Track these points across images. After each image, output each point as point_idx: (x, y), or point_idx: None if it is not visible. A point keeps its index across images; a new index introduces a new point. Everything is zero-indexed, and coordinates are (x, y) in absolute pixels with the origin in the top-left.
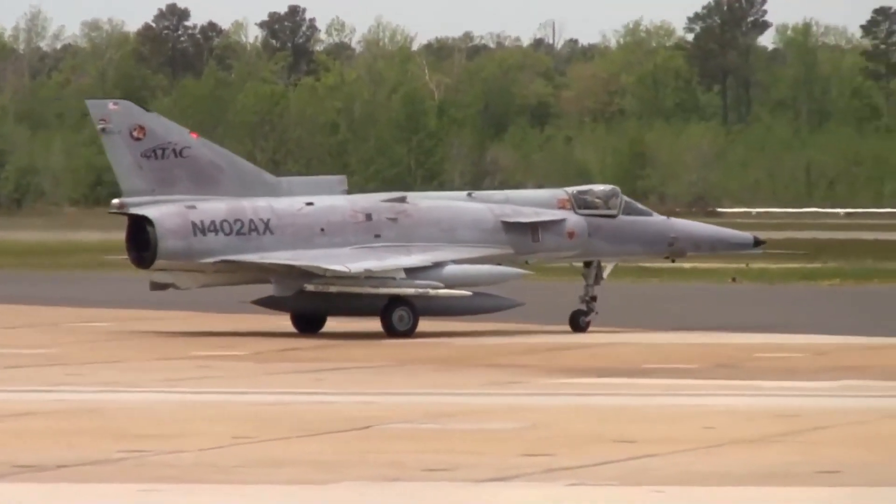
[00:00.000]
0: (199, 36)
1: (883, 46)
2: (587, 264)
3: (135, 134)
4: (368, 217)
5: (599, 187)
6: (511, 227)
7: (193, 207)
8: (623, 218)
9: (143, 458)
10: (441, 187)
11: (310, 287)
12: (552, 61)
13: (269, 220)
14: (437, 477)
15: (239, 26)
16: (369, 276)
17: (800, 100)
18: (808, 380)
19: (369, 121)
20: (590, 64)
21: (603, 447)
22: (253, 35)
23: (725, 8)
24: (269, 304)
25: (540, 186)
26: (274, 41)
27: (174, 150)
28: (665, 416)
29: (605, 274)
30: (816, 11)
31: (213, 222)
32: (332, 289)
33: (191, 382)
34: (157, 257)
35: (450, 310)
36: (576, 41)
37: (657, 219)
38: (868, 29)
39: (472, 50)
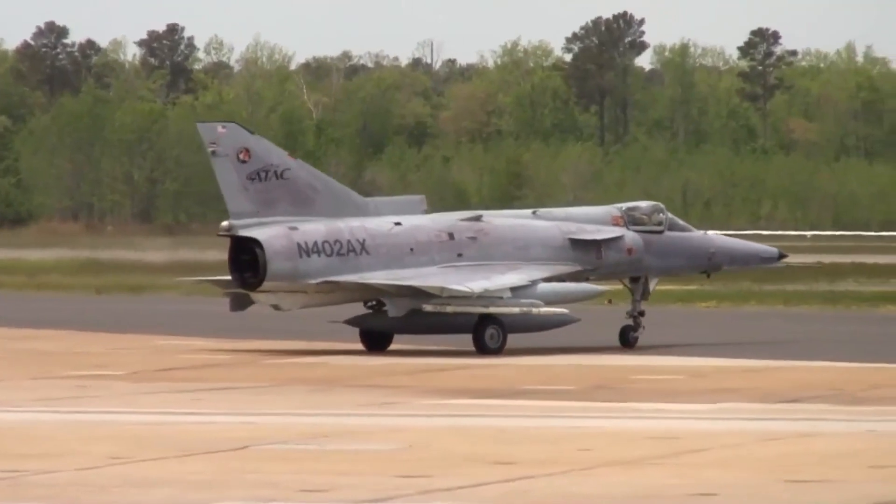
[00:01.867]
0: (77, 54)
1: (760, 68)
2: (634, 280)
3: (241, 156)
4: (451, 236)
5: (645, 204)
6: (577, 245)
7: (296, 229)
8: (669, 234)
9: (19, 477)
10: None
11: (428, 307)
12: (430, 81)
13: (364, 240)
14: (313, 498)
15: (117, 44)
16: (481, 296)
17: (677, 120)
18: (685, 402)
19: None
20: (468, 84)
21: (480, 468)
22: (131, 53)
23: (603, 28)
24: (360, 322)
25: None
26: (152, 59)
27: (276, 173)
28: (542, 438)
29: (652, 289)
30: (694, 33)
31: (315, 243)
32: (449, 309)
33: (67, 402)
34: (267, 279)
35: (530, 326)
36: (454, 61)
37: (697, 234)
38: (745, 50)
39: (350, 69)
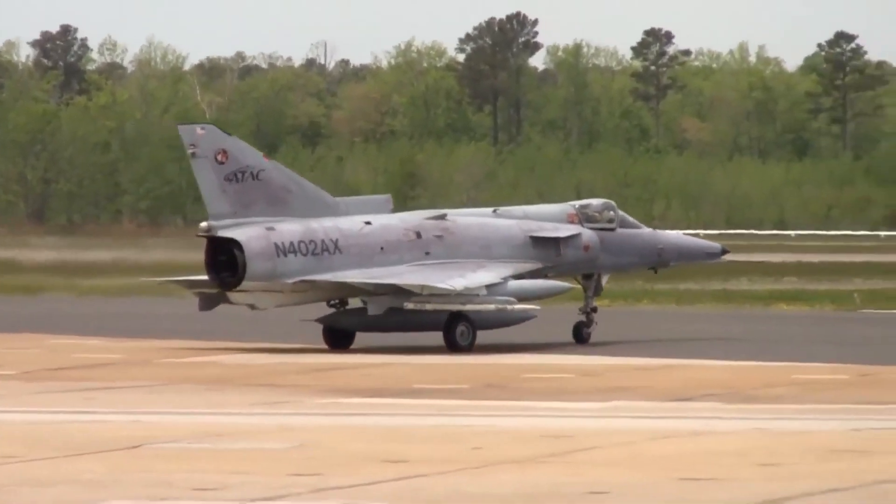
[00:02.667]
0: None
1: (653, 68)
2: (587, 277)
3: (219, 158)
4: (419, 235)
5: (596, 201)
6: (538, 242)
7: (273, 229)
8: (621, 231)
9: None
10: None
11: (409, 305)
12: (324, 82)
13: (337, 239)
14: (206, 497)
15: (11, 45)
16: (460, 294)
17: (570, 120)
18: (577, 401)
19: (141, 140)
20: (361, 84)
21: (373, 467)
22: (24, 54)
23: (497, 29)
24: (333, 321)
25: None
26: (46, 60)
27: (251, 174)
28: (435, 437)
29: (603, 285)
30: (587, 33)
31: (291, 243)
32: (429, 306)
33: None
34: (246, 279)
35: (496, 323)
36: (347, 62)
37: (646, 231)
38: (638, 51)
39: (243, 70)
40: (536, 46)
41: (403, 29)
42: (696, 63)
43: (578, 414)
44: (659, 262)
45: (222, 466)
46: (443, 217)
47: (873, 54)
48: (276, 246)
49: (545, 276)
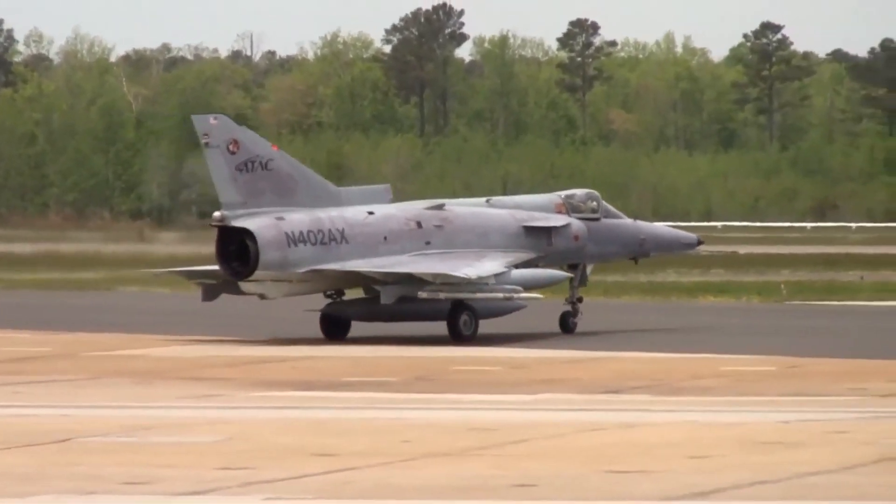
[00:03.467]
0: None
1: (579, 59)
2: (573, 267)
3: (230, 148)
4: (419, 225)
5: (580, 191)
6: (530, 232)
7: (282, 219)
8: (605, 221)
9: None
10: (139, 200)
11: (423, 294)
12: (250, 73)
13: (343, 229)
14: (135, 490)
15: None
16: (471, 282)
17: (497, 112)
18: (505, 393)
19: (68, 132)
20: (288, 76)
21: (302, 460)
22: None
23: (423, 20)
24: (338, 311)
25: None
26: None
27: (261, 163)
28: (364, 430)
29: (588, 275)
30: (513, 24)
31: (301, 233)
32: (442, 295)
33: None
34: (258, 268)
35: (494, 312)
36: (274, 53)
37: (628, 221)
38: (564, 42)
39: (170, 62)
40: (463, 37)
41: (329, 20)
42: (623, 54)
43: (507, 407)
44: (640, 252)
45: (151, 460)
46: (441, 207)
47: (799, 45)
48: (287, 235)
49: (536, 266)
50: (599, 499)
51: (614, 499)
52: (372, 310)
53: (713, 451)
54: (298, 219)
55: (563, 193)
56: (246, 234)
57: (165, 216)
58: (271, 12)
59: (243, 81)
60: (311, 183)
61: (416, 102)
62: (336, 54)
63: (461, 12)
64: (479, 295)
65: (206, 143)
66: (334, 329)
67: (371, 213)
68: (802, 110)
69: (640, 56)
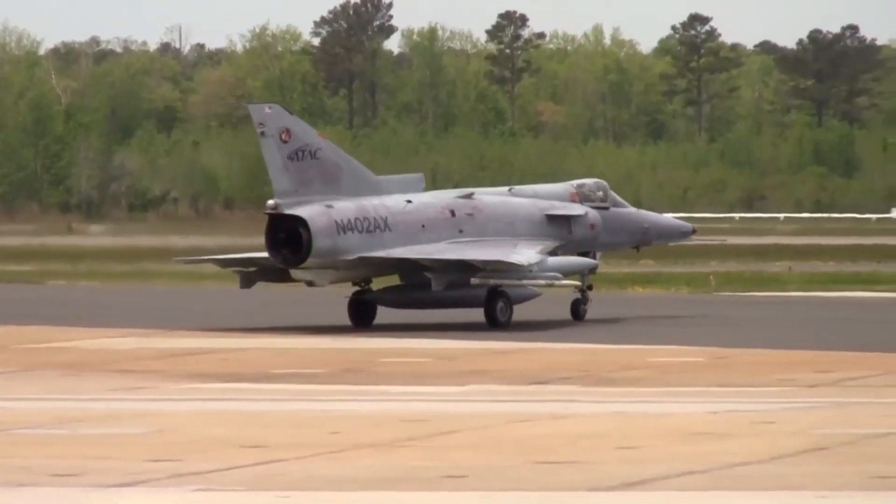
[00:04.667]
0: None
1: (507, 51)
2: (583, 255)
3: (283, 137)
4: (453, 213)
5: (591, 181)
6: (552, 221)
7: (331, 207)
8: (613, 210)
9: None
10: (69, 193)
11: (475, 280)
12: (179, 66)
13: (386, 217)
14: (65, 482)
15: None
16: (520, 269)
17: (426, 104)
18: (434, 384)
19: None
20: (217, 68)
21: (231, 452)
22: None
23: (352, 12)
24: (379, 298)
25: (167, 191)
26: None
27: (310, 152)
28: (292, 421)
29: (598, 262)
30: (442, 16)
31: (349, 220)
32: (492, 282)
33: None
34: (311, 256)
35: (522, 298)
36: (203, 46)
37: (633, 210)
38: (493, 34)
39: (99, 54)
40: (391, 30)
41: (258, 13)
42: (551, 46)
43: (436, 398)
44: (643, 240)
45: (81, 452)
46: (470, 196)
47: (727, 36)
48: (336, 223)
49: (555, 254)
50: (529, 489)
51: (544, 489)
52: (410, 297)
53: (642, 441)
54: (346, 207)
55: (575, 183)
56: (298, 221)
57: (94, 209)
58: (200, 5)
59: (172, 74)
60: (355, 171)
61: (345, 95)
62: (265, 47)
63: (390, 4)
64: (525, 282)
65: (262, 133)
66: (362, 316)
67: (409, 201)
68: (731, 102)
69: (569, 48)
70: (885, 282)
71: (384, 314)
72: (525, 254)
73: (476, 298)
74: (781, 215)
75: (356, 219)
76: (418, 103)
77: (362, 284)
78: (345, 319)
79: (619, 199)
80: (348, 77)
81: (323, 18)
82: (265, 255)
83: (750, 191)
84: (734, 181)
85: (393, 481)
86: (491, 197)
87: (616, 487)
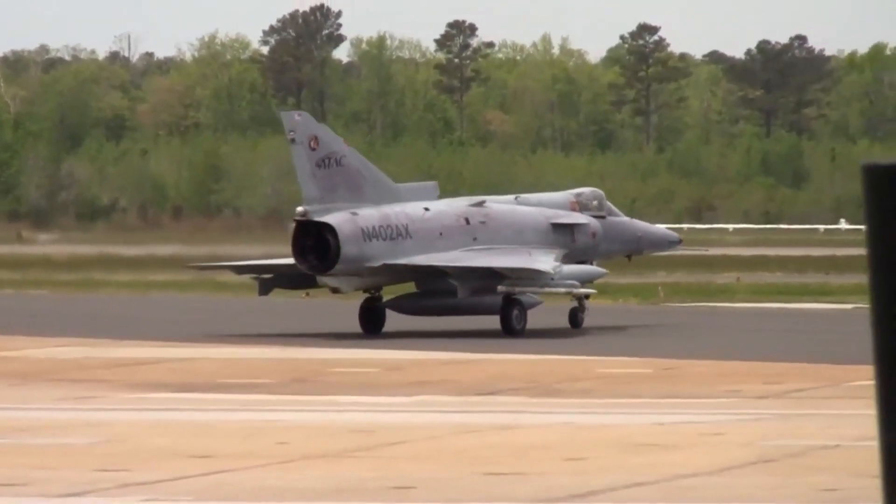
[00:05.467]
0: None
1: (456, 60)
2: (580, 263)
3: (311, 144)
4: (467, 221)
5: (588, 190)
6: (557, 229)
7: (357, 214)
8: (609, 219)
9: None
10: (17, 202)
11: (502, 288)
12: (128, 74)
13: (406, 225)
14: (11, 492)
15: None
16: (545, 276)
17: (374, 113)
18: (382, 395)
19: None
20: (165, 77)
21: (178, 462)
22: None
23: (300, 21)
24: (396, 305)
25: (115, 200)
26: None
27: (336, 160)
28: (241, 431)
29: None
30: (391, 25)
31: (373, 228)
32: (517, 289)
33: None
34: (339, 263)
35: (532, 305)
36: (151, 54)
37: (626, 219)
38: (442, 43)
39: (47, 63)
40: (340, 39)
41: (207, 22)
42: (500, 55)
43: (383, 408)
44: (636, 249)
45: (26, 462)
46: (482, 204)
47: (676, 46)
48: (363, 231)
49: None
50: (476, 500)
51: (491, 500)
52: (426, 305)
53: (589, 452)
54: (370, 214)
55: (574, 192)
56: (326, 228)
57: (43, 218)
58: (149, 14)
59: (121, 83)
60: (376, 179)
61: (294, 104)
62: (214, 56)
63: (339, 13)
64: (546, 289)
65: (292, 140)
66: (372, 323)
67: (427, 209)
68: (679, 112)
69: (518, 57)
70: (834, 293)
71: (392, 322)
72: (547, 262)
73: (490, 306)
74: (730, 226)
75: (380, 226)
76: (367, 112)
77: (373, 292)
78: (293, 328)
79: (613, 208)
80: (297, 86)
81: (272, 27)
82: (282, 261)
83: (698, 201)
84: (682, 191)
85: (341, 492)
86: (500, 205)
87: (564, 499)
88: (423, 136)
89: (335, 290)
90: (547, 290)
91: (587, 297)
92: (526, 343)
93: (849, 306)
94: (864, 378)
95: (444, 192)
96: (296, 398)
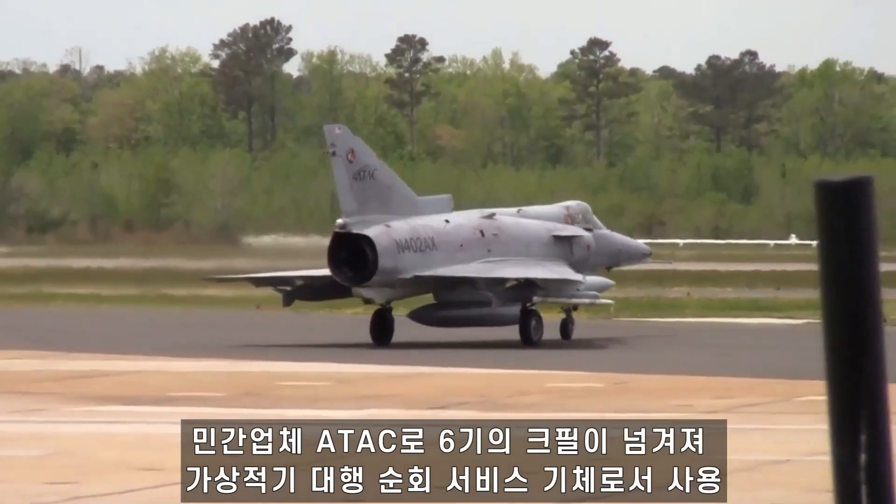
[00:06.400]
0: None
1: (407, 75)
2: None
3: (349, 157)
4: (482, 233)
5: (574, 203)
6: (557, 241)
7: (389, 226)
8: (596, 231)
9: None
10: None
11: (536, 299)
12: (79, 88)
13: (433, 237)
14: None
15: None
16: (569, 286)
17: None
18: (331, 408)
19: None
20: (116, 90)
21: (127, 475)
22: None
23: (251, 35)
24: (420, 316)
25: (66, 213)
26: None
27: (369, 172)
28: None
29: None
30: (341, 40)
31: (405, 240)
32: (551, 300)
33: None
34: (377, 274)
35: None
36: (102, 68)
37: (606, 231)
38: (392, 57)
39: None
40: (291, 53)
41: (158, 35)
42: (450, 70)
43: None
44: (616, 262)
45: None
46: (492, 217)
47: (627, 61)
48: (397, 243)
49: None
50: None
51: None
52: (444, 316)
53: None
54: (400, 226)
55: (563, 205)
56: (364, 240)
57: None
58: (100, 27)
59: (72, 96)
60: (402, 191)
61: (245, 117)
62: (164, 69)
63: (289, 27)
64: (574, 300)
65: (333, 153)
66: (382, 334)
67: (447, 221)
68: (629, 127)
69: (468, 72)
70: (784, 308)
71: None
72: (573, 273)
73: (507, 317)
74: (680, 241)
75: (410, 238)
76: (318, 126)
77: (384, 303)
78: (244, 339)
79: (597, 221)
80: (248, 100)
81: (222, 41)
82: (301, 273)
83: (649, 216)
84: (633, 206)
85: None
86: (508, 218)
87: None
88: (374, 150)
89: (368, 301)
90: (574, 300)
91: (575, 308)
92: (477, 356)
93: (799, 321)
94: (814, 393)
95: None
96: (246, 411)
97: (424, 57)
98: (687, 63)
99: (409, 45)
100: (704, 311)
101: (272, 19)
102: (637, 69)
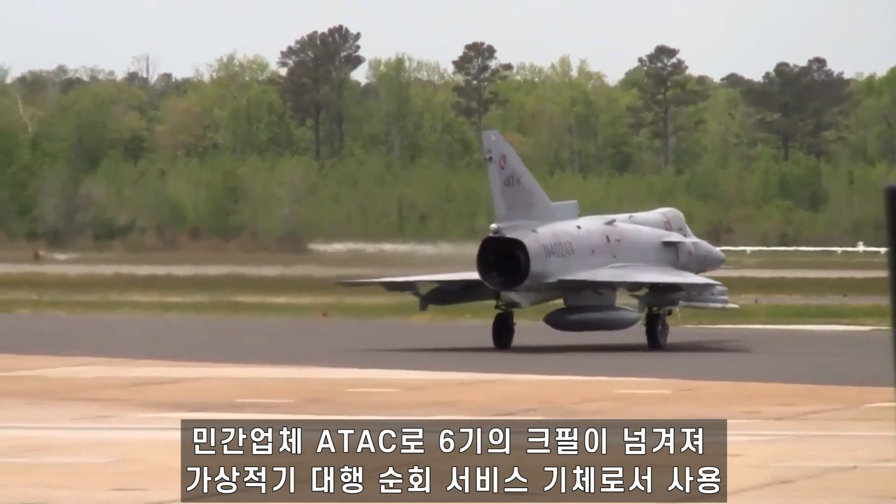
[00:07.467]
0: None
1: (475, 82)
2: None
3: (501, 163)
4: (608, 239)
5: (668, 210)
6: (667, 247)
7: (536, 231)
8: (690, 238)
9: None
10: (35, 222)
11: (682, 303)
12: (146, 95)
13: (571, 242)
14: None
15: None
16: (710, 292)
17: (392, 135)
18: (400, 415)
19: None
20: (183, 98)
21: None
22: None
23: (319, 42)
24: (554, 321)
25: (133, 220)
26: None
27: (517, 178)
28: None
29: None
30: (409, 47)
31: (551, 245)
32: (694, 304)
33: None
34: (528, 279)
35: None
36: (169, 75)
37: (696, 238)
38: (460, 65)
39: (66, 83)
40: (359, 60)
41: (225, 42)
42: (518, 77)
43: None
44: (701, 269)
45: (45, 481)
46: (613, 223)
47: (694, 69)
48: (544, 248)
49: None
50: None
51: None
52: (572, 320)
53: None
54: (544, 232)
55: (660, 211)
56: (516, 245)
57: (60, 238)
58: (167, 35)
59: (139, 103)
60: (541, 197)
61: (312, 125)
62: (232, 77)
63: (357, 35)
64: (710, 304)
65: (489, 159)
66: (503, 338)
67: (579, 227)
68: (697, 134)
69: (536, 80)
70: (851, 315)
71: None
72: (706, 278)
73: (626, 321)
74: (748, 248)
75: (554, 243)
76: (385, 134)
77: (504, 307)
78: (342, 346)
79: (688, 228)
80: (315, 107)
81: (290, 48)
82: (431, 277)
83: (716, 223)
84: (700, 214)
85: None
86: (626, 224)
87: None
88: (442, 157)
89: (513, 305)
90: (710, 304)
91: (669, 313)
92: (544, 363)
93: (866, 328)
94: (881, 400)
95: (464, 216)
96: (314, 418)
97: (492, 64)
98: (755, 71)
99: (477, 53)
100: (772, 318)
101: (340, 27)
102: (705, 77)
